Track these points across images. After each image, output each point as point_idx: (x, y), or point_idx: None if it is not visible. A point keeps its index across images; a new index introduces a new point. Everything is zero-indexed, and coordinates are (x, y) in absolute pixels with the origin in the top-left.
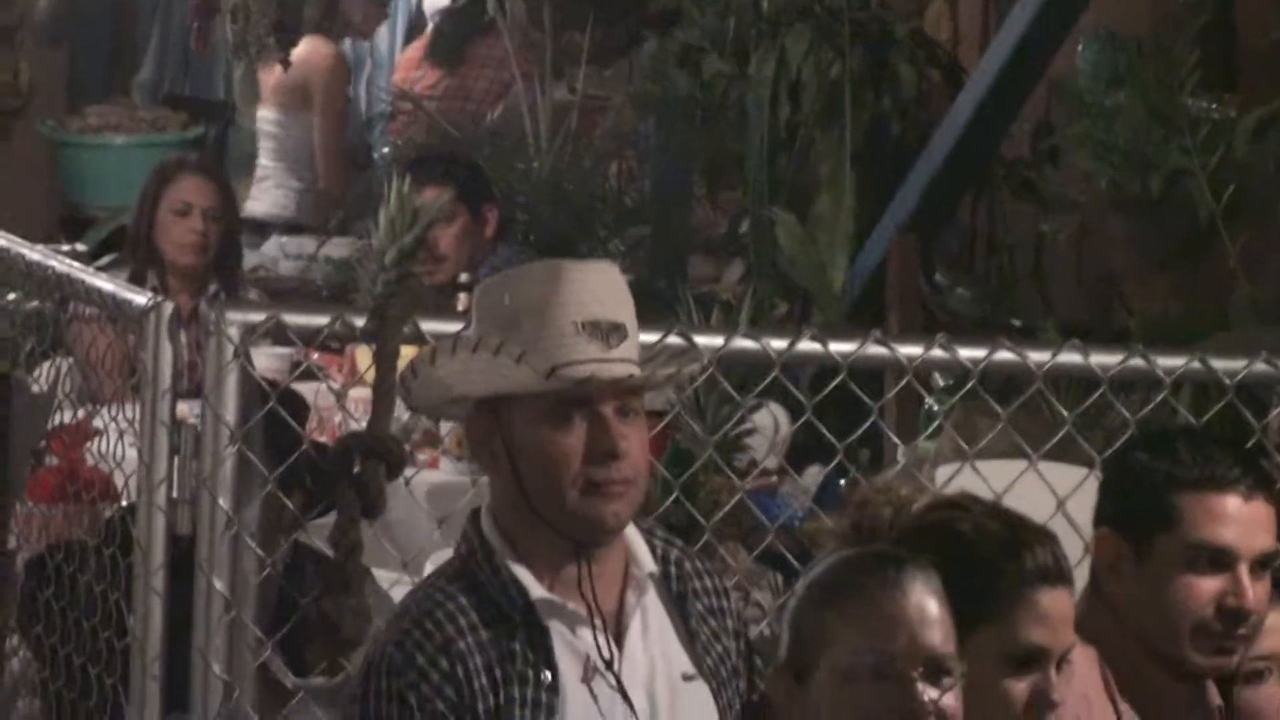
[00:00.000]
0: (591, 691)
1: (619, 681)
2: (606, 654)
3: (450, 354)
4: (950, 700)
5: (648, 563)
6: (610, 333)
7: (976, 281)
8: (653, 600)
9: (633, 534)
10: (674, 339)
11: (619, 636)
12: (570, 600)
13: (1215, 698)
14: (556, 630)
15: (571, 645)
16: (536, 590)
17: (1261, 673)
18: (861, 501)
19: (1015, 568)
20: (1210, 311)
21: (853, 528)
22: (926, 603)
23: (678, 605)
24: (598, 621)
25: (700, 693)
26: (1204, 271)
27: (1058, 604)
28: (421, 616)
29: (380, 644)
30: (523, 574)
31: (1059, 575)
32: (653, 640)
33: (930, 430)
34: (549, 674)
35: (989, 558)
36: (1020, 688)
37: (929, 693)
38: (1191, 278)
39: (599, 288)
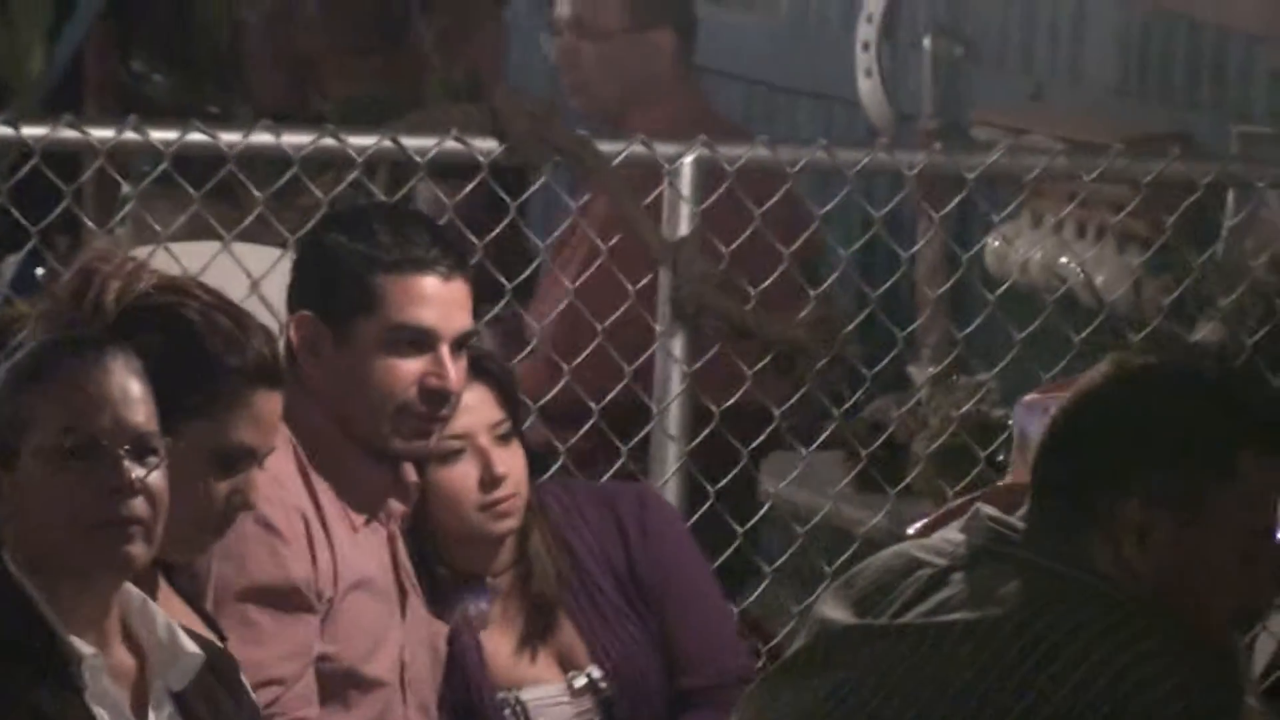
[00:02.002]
0: None
1: None
2: None
3: None
4: (156, 479)
5: None
6: None
7: (174, 67)
8: None
9: None
10: None
11: None
12: None
13: (412, 475)
14: None
15: None
16: None
17: (457, 451)
18: (88, 270)
19: (238, 364)
20: (405, 93)
21: (73, 296)
22: (130, 382)
23: None
24: None
25: None
26: (400, 56)
27: (272, 405)
28: None
29: None
30: None
31: (276, 377)
32: None
33: (123, 215)
34: None
35: (213, 351)
36: (223, 486)
37: (135, 470)
38: (387, 62)
39: None
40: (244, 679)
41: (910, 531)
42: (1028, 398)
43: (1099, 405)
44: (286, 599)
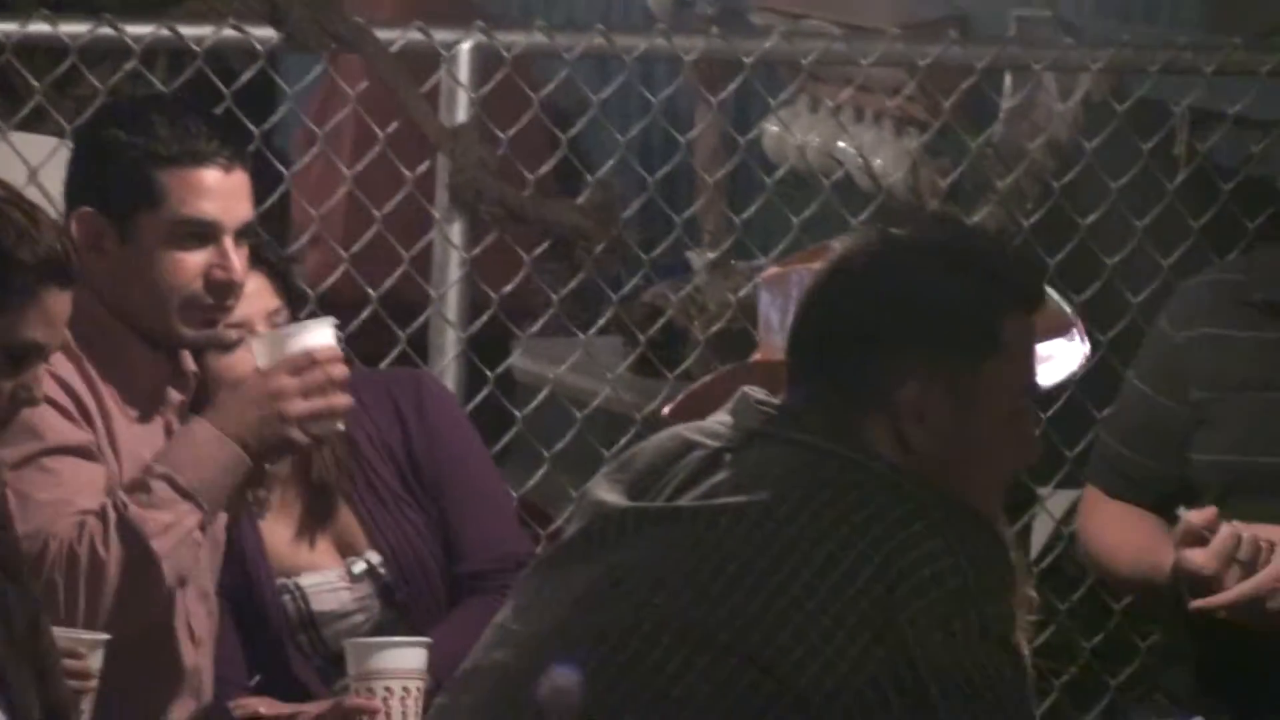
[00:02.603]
0: None
1: None
2: None
3: None
4: None
5: None
6: None
7: None
8: None
9: None
10: None
11: None
12: None
13: (190, 364)
14: None
15: None
16: None
17: (236, 341)
18: None
19: (30, 260)
20: None
21: None
22: None
23: None
24: None
25: None
26: None
27: (63, 302)
28: None
29: None
30: None
31: (68, 274)
32: None
33: None
34: None
35: (5, 246)
36: (9, 383)
37: None
38: None
39: None
40: (25, 567)
41: (665, 412)
42: (768, 273)
43: (859, 283)
44: (80, 451)
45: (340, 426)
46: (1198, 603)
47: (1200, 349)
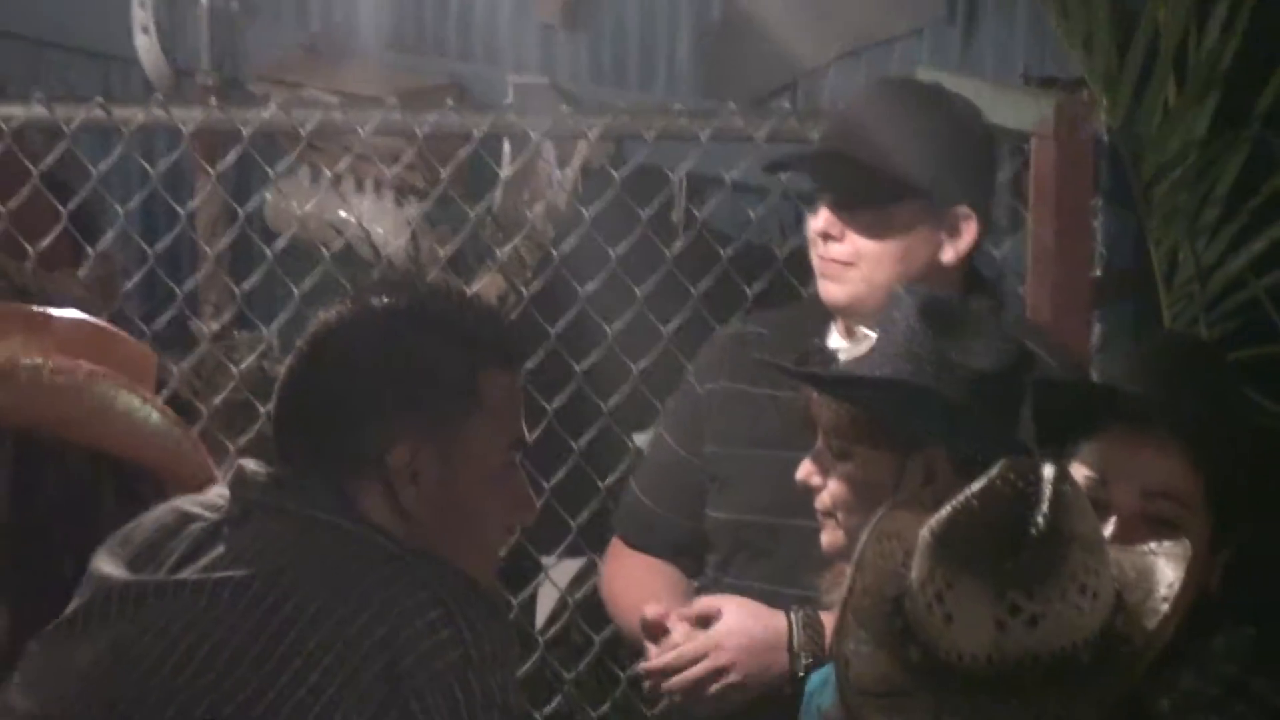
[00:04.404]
0: None
1: None
2: None
3: None
4: None
5: None
6: None
7: None
8: None
9: None
10: None
11: None
12: None
13: None
14: None
15: None
16: None
17: None
18: None
19: None
20: None
21: None
22: None
23: None
24: None
25: None
26: None
27: None
28: None
29: None
30: None
31: None
32: None
33: None
34: None
35: None
36: None
37: None
38: None
39: None
40: None
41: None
42: None
43: (336, 352)
44: None
45: None
46: (642, 666)
47: (717, 403)
